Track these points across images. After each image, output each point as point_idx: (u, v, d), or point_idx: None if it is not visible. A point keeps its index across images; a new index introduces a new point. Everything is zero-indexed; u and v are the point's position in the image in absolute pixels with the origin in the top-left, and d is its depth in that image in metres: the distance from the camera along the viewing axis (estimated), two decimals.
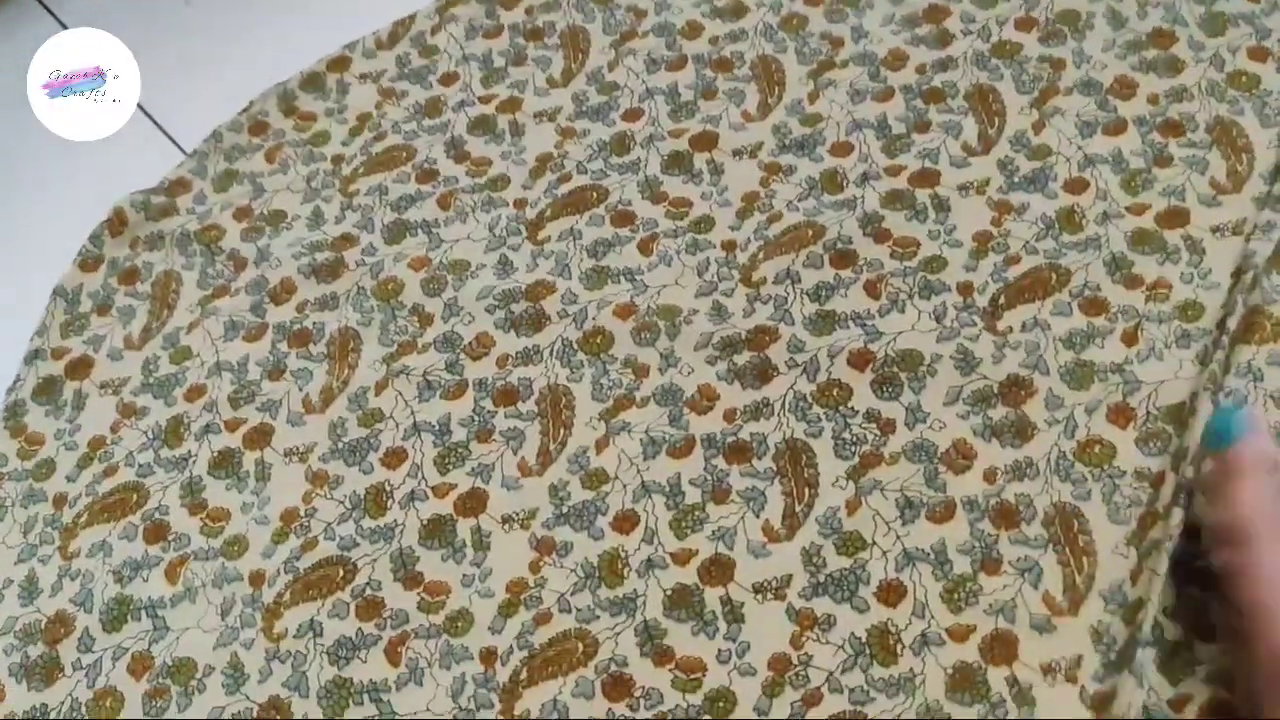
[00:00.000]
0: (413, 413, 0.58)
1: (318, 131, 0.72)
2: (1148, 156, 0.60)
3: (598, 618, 0.51)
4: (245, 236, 0.67)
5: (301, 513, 0.56)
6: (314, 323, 0.62)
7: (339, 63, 0.75)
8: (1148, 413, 0.51)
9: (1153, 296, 0.55)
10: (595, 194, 0.64)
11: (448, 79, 0.73)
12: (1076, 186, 0.59)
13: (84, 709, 0.52)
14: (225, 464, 0.58)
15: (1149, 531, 0.48)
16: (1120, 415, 0.51)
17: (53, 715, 0.52)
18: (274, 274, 0.65)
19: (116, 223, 0.68)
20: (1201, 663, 0.45)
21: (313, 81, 0.75)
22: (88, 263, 0.68)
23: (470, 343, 0.60)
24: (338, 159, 0.70)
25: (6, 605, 0.56)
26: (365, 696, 0.50)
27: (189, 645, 0.53)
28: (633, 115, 0.68)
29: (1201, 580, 0.44)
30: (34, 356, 0.65)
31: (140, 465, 0.59)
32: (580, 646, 0.51)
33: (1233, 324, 0.52)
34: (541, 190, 0.65)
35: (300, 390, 0.60)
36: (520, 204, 0.65)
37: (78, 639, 0.54)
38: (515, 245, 0.63)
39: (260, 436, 0.59)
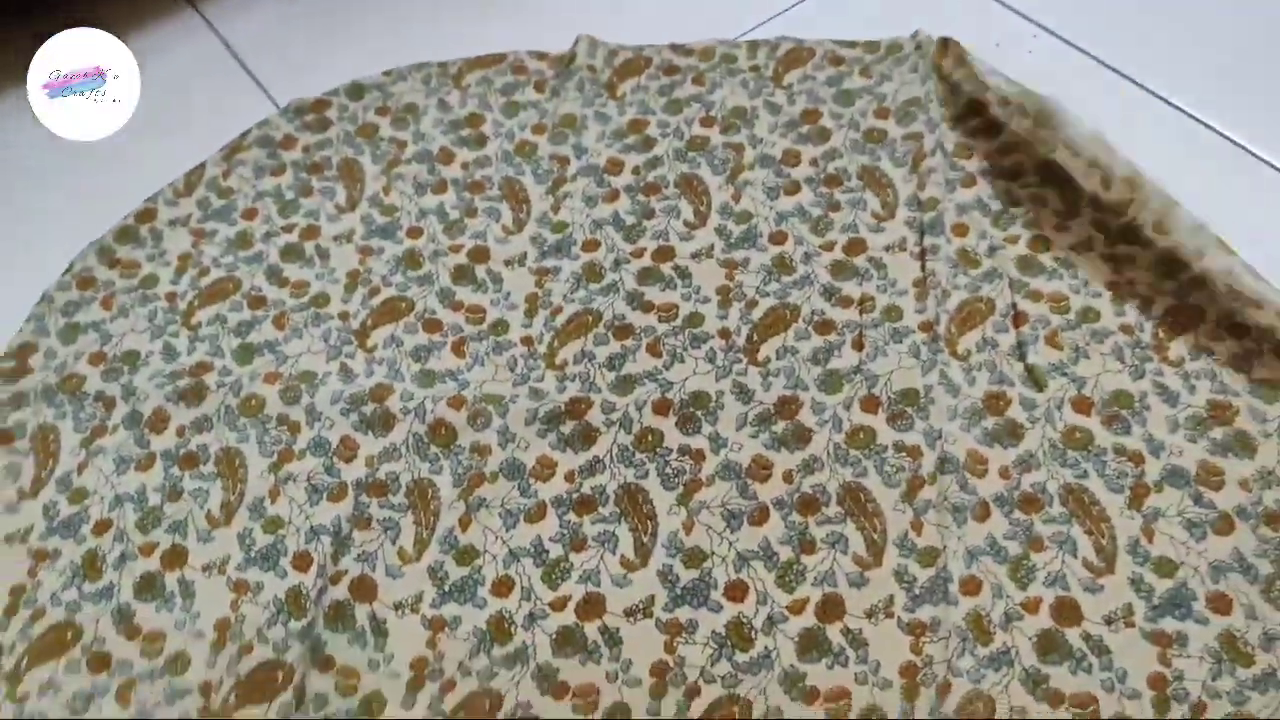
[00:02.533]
0: (308, 516, 0.70)
1: (146, 275, 0.83)
2: (822, 205, 0.83)
3: (496, 674, 0.62)
4: (106, 378, 0.77)
5: (232, 620, 0.65)
6: (197, 445, 0.74)
7: (146, 214, 0.87)
8: (888, 398, 0.71)
9: (864, 309, 0.76)
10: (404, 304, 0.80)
11: (249, 214, 0.87)
12: (779, 238, 0.82)
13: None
14: (149, 588, 0.67)
15: (919, 492, 0.66)
16: (870, 404, 0.71)
17: None
18: (144, 406, 0.76)
19: None
20: (1038, 568, 0.63)
21: (126, 234, 0.85)
22: None
23: (338, 446, 0.72)
24: (171, 296, 0.82)
25: None
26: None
27: None
28: (414, 233, 0.84)
29: None
30: None
31: (67, 604, 0.67)
32: (487, 703, 0.61)
33: (941, 326, 0.72)
34: (359, 302, 0.81)
35: (201, 508, 0.71)
36: (344, 316, 0.80)
37: None
38: (350, 353, 0.78)
39: (176, 557, 0.68)
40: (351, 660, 0.63)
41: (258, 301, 0.82)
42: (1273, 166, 0.83)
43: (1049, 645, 0.60)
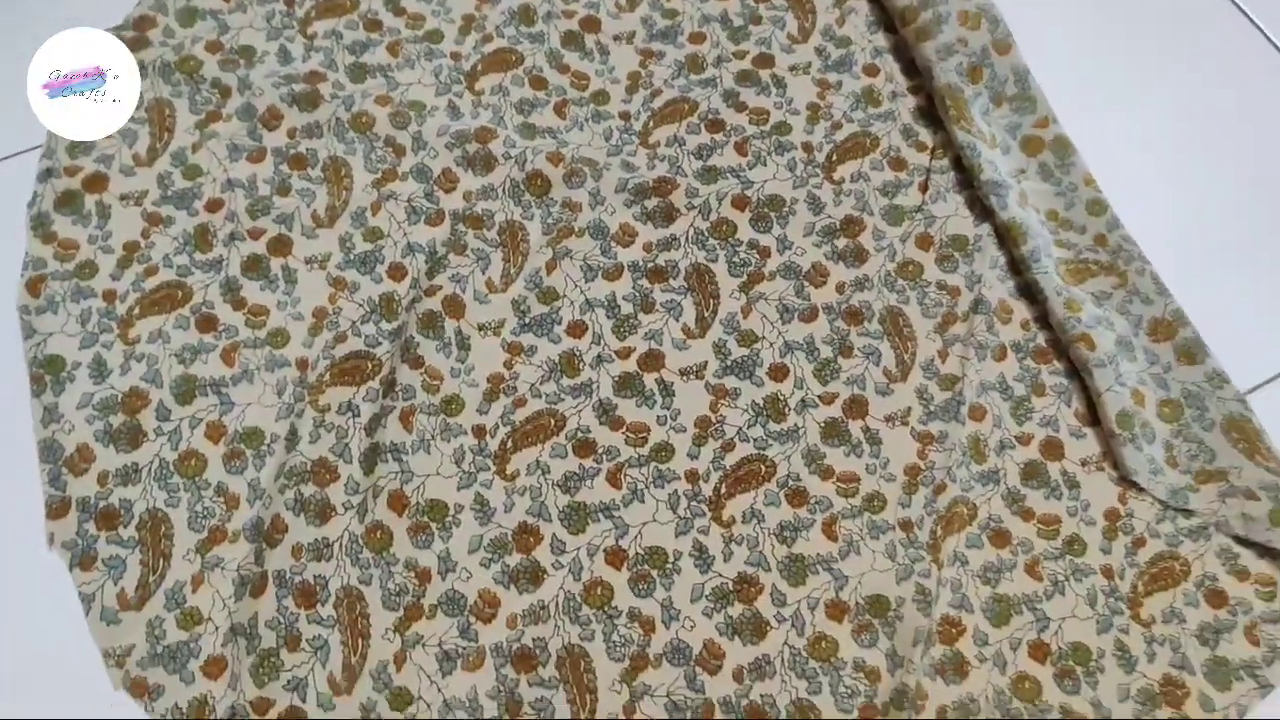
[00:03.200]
0: (405, 233, 0.75)
1: None
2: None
3: (563, 400, 0.70)
4: (223, 68, 0.80)
5: (329, 311, 0.72)
6: (306, 149, 0.78)
7: None
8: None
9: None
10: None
11: None
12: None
13: (170, 468, 0.66)
14: (256, 268, 0.73)
15: (950, 327, 0.73)
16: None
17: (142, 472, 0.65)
18: (259, 102, 0.79)
19: None
20: (1036, 410, 0.71)
21: None
22: None
23: (439, 176, 0.77)
24: (290, 1, 0.84)
25: (79, 384, 0.68)
26: (389, 456, 0.66)
27: (254, 417, 0.68)
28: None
29: None
30: (47, 174, 0.75)
31: (178, 267, 0.73)
32: (552, 421, 0.69)
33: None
34: (471, 46, 0.84)
35: (308, 206, 0.76)
36: (455, 56, 0.84)
37: (154, 410, 0.68)
38: (459, 93, 0.82)
39: (282, 245, 0.74)
40: (438, 364, 0.69)
41: (373, 24, 0.85)
42: None
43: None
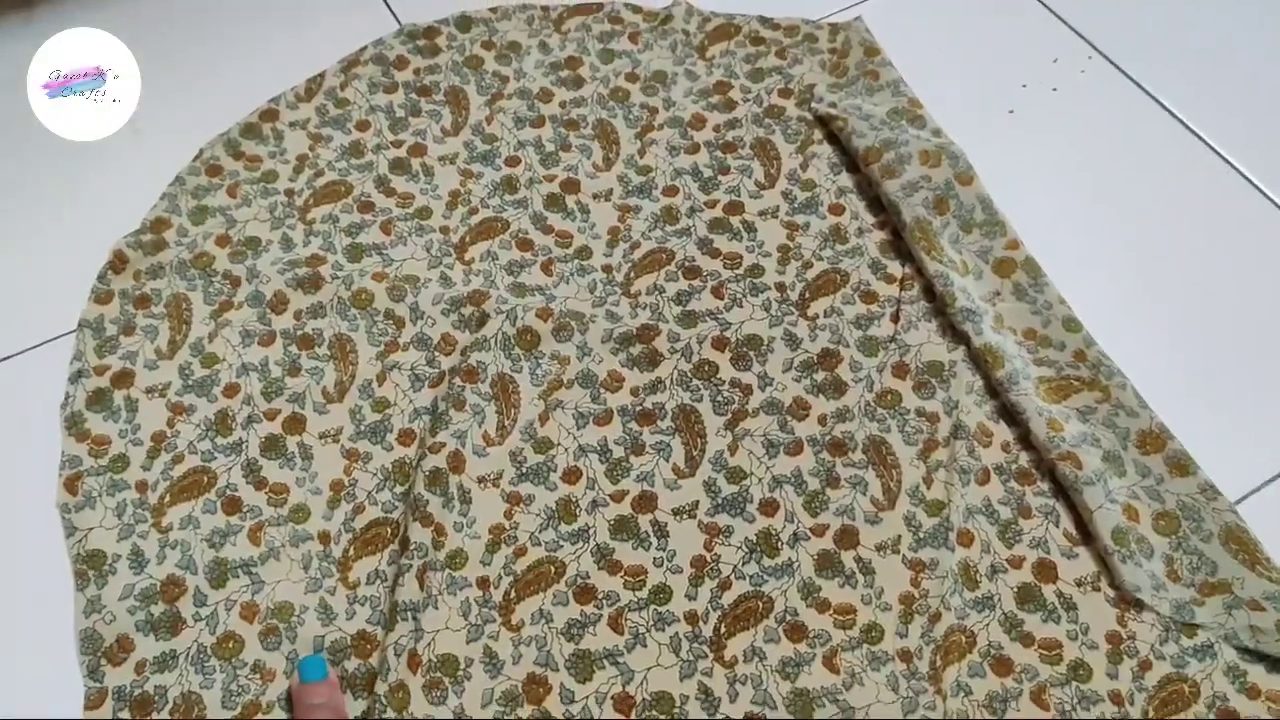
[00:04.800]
0: (411, 400, 0.80)
1: (267, 171, 0.93)
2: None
3: (561, 546, 0.72)
4: (232, 259, 0.87)
5: (346, 483, 0.75)
6: (312, 329, 0.84)
7: (269, 114, 0.95)
8: (917, 366, 0.76)
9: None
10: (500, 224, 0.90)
11: (362, 125, 0.96)
12: (837, 210, 0.88)
13: (209, 652, 0.68)
14: (274, 447, 0.78)
15: (932, 453, 0.75)
16: (900, 370, 0.76)
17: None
18: (266, 288, 0.85)
19: (117, 262, 0.85)
20: (1025, 532, 0.72)
21: (251, 130, 0.94)
22: (101, 297, 0.84)
23: (438, 342, 0.83)
24: (289, 192, 0.91)
25: (120, 576, 0.71)
26: (408, 615, 0.68)
27: (284, 592, 0.71)
28: (513, 161, 0.93)
29: None
30: (78, 376, 0.81)
31: (202, 453, 0.77)
32: (552, 569, 0.72)
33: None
34: (459, 219, 0.91)
35: (318, 384, 0.81)
36: (445, 230, 0.90)
37: (191, 597, 0.70)
38: (450, 264, 0.88)
39: (296, 424, 0.79)
40: (443, 519, 0.73)
41: (366, 206, 0.91)
42: None
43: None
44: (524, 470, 0.76)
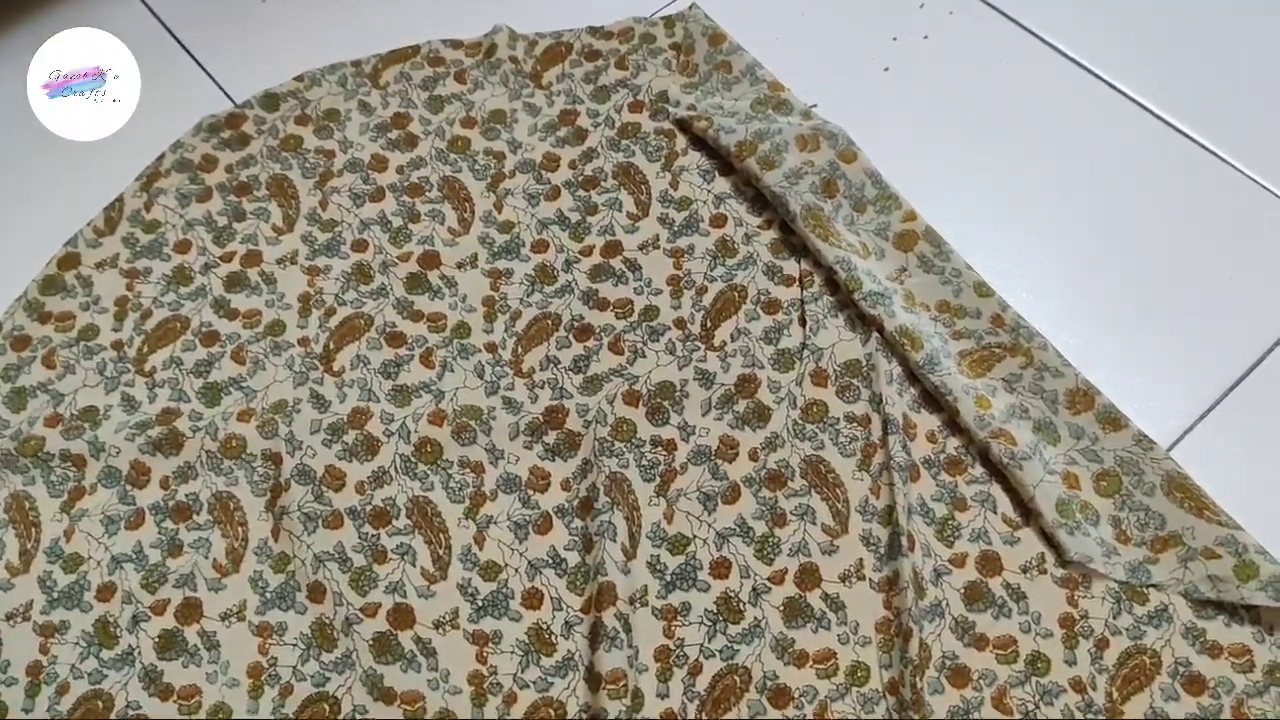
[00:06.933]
0: (309, 547, 0.71)
1: (84, 326, 0.81)
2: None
3: (552, 684, 0.67)
4: (67, 436, 0.76)
5: (264, 665, 0.68)
6: (185, 495, 0.74)
7: (68, 260, 0.83)
8: (835, 370, 0.74)
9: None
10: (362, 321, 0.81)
11: (181, 246, 0.84)
12: (719, 221, 0.83)
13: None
14: (170, 645, 0.69)
15: (873, 458, 0.72)
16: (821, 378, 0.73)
17: None
18: (119, 461, 0.75)
19: None
20: (963, 526, 0.69)
21: (51, 283, 0.82)
22: None
23: (324, 476, 0.74)
24: (117, 344, 0.80)
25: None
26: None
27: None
28: (360, 246, 0.84)
29: None
30: None
31: (89, 674, 0.68)
32: (552, 713, 0.66)
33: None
34: (316, 326, 0.81)
35: (206, 558, 0.72)
36: (304, 341, 0.81)
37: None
38: (319, 379, 0.79)
39: (191, 610, 0.70)
40: (412, 685, 0.66)
41: (210, 338, 0.81)
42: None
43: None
44: (479, 604, 0.70)
